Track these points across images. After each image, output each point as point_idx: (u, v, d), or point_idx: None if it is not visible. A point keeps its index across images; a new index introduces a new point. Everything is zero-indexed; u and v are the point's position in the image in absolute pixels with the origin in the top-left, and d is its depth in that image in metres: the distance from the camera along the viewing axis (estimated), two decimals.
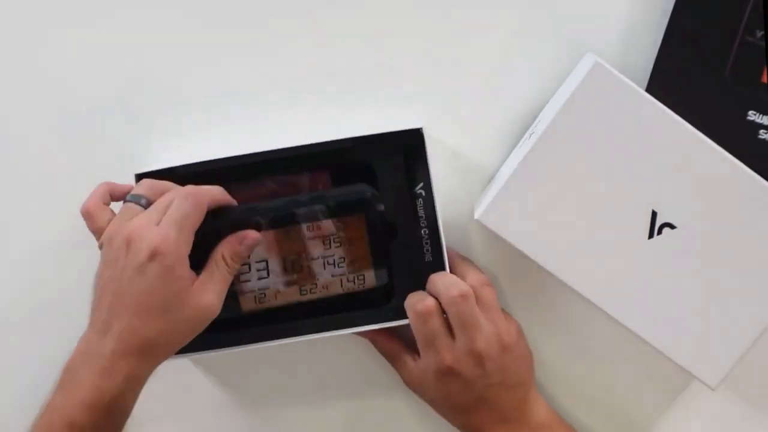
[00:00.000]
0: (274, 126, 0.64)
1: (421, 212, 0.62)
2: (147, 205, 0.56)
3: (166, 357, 0.55)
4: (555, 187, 0.58)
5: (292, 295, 0.60)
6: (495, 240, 0.60)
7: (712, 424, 0.66)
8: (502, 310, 0.62)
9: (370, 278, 0.61)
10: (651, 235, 0.58)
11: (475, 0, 0.63)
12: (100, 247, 0.56)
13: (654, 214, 0.58)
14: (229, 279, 0.57)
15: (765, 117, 0.61)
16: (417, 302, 0.59)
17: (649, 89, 0.61)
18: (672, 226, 0.58)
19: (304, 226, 0.59)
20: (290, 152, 0.60)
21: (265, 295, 0.60)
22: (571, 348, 0.66)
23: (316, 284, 0.60)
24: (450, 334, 0.59)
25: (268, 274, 0.60)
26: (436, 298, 0.59)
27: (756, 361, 0.62)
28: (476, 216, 0.60)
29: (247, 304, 0.60)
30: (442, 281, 0.59)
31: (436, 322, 0.59)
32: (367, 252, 0.60)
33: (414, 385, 0.62)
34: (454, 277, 0.60)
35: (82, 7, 0.64)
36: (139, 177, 0.60)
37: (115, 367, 0.53)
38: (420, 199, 0.61)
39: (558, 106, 0.58)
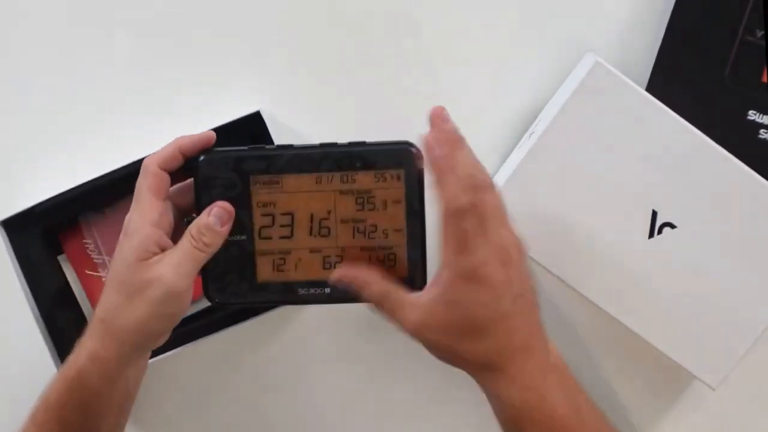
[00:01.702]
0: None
1: None
2: None
3: (132, 341, 0.52)
4: (555, 186, 0.58)
5: (315, 269, 0.54)
6: None
7: (712, 424, 0.66)
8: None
9: (402, 263, 0.54)
10: (651, 235, 0.58)
11: (476, 0, 0.63)
12: None
13: (654, 214, 0.58)
14: (195, 253, 0.52)
15: (765, 116, 0.61)
16: (453, 199, 0.50)
17: (650, 89, 0.61)
18: (672, 226, 0.58)
19: (338, 176, 0.53)
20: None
21: (284, 262, 0.54)
22: (571, 347, 0.66)
23: (341, 257, 0.54)
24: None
25: (292, 233, 0.54)
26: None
27: (756, 361, 0.62)
28: None
29: (264, 272, 0.54)
30: (455, 179, 0.50)
31: (473, 222, 0.50)
32: (403, 223, 0.53)
33: (420, 323, 0.52)
34: (459, 181, 0.50)
35: None
36: (4, 223, 0.60)
37: (83, 343, 0.52)
38: None
39: (558, 105, 0.58)
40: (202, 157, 0.53)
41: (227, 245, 0.53)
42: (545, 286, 0.64)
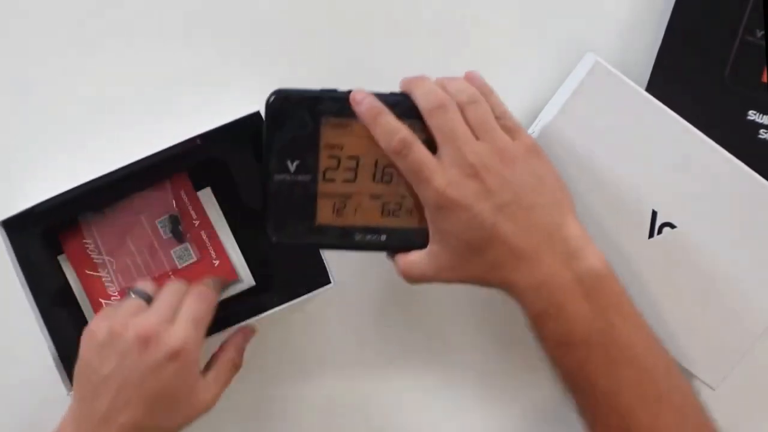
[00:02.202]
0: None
1: None
2: (149, 300, 0.57)
3: None
4: None
5: (373, 215, 0.54)
6: None
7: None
8: (517, 126, 0.54)
9: None
10: (651, 235, 0.58)
11: (476, 0, 0.63)
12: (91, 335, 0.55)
13: (654, 214, 0.58)
14: (233, 377, 0.58)
15: (765, 116, 0.61)
16: (386, 143, 0.52)
17: (649, 89, 0.61)
18: (672, 226, 0.58)
19: (407, 123, 0.52)
20: (142, 164, 0.58)
21: (345, 206, 0.54)
22: None
23: (400, 205, 0.54)
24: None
25: (356, 177, 0.54)
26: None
27: (756, 361, 0.62)
28: None
29: (324, 215, 0.54)
30: (420, 89, 0.53)
31: (417, 153, 0.52)
32: None
33: (432, 273, 0.53)
34: (431, 84, 0.53)
35: None
36: (4, 223, 0.59)
37: None
38: None
39: (558, 105, 0.58)
40: (273, 97, 0.53)
41: (292, 184, 0.54)
42: None
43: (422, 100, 0.52)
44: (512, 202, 0.51)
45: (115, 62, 0.64)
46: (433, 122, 0.52)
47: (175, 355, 0.53)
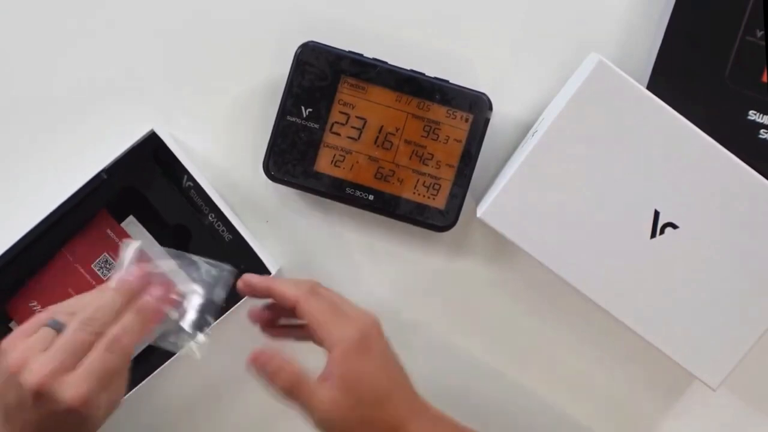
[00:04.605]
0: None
1: (199, 201, 0.61)
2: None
3: None
4: (557, 185, 0.58)
5: (367, 175, 0.60)
6: (497, 238, 0.60)
7: (713, 424, 0.66)
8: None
9: (443, 195, 0.60)
10: (653, 235, 0.58)
11: (481, 0, 0.63)
12: None
13: (656, 214, 0.58)
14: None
15: (765, 117, 0.61)
16: (299, 287, 0.54)
17: (650, 89, 0.60)
18: (674, 226, 0.58)
19: (416, 101, 0.59)
20: (58, 214, 0.59)
21: (343, 159, 0.60)
22: (572, 347, 0.66)
23: (393, 172, 0.60)
24: None
25: (359, 137, 0.60)
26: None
27: (756, 361, 0.62)
28: (478, 214, 0.59)
29: (323, 163, 0.60)
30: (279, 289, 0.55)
31: (327, 296, 0.54)
32: (457, 160, 0.60)
33: (326, 419, 0.52)
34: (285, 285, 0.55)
35: None
36: None
37: None
38: (192, 191, 0.61)
39: (561, 104, 0.57)
40: (300, 50, 0.59)
41: (301, 128, 0.59)
42: (546, 285, 0.63)
43: (299, 291, 0.54)
44: (394, 358, 0.55)
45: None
46: (319, 300, 0.54)
47: (70, 411, 0.46)
